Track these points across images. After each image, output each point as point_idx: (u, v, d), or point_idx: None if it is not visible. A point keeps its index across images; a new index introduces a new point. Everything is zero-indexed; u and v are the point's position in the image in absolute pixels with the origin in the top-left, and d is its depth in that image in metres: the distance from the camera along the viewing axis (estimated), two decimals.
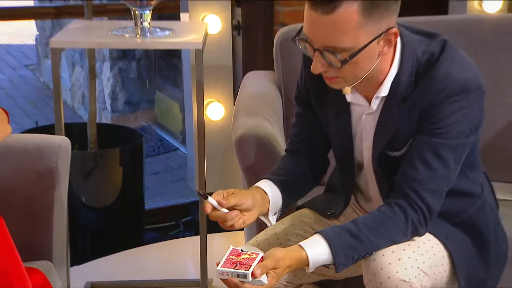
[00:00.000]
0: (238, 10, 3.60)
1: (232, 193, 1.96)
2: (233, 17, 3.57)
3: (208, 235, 2.82)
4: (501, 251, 2.19)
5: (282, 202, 2.08)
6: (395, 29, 1.92)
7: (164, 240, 3.60)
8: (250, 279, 1.82)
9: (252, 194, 1.99)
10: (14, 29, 8.51)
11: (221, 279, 1.88)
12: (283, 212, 2.11)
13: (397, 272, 1.93)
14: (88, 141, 3.52)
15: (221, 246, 3.23)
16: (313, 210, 2.28)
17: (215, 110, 3.54)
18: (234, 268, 1.84)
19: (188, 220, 3.81)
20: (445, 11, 3.65)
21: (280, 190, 2.08)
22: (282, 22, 3.53)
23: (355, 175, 2.21)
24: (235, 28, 3.60)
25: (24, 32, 8.37)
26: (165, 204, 4.02)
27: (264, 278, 1.84)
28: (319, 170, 2.24)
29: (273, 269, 1.86)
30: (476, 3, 3.53)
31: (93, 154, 3.50)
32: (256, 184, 2.07)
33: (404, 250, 1.97)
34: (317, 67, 1.94)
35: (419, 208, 1.98)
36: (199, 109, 2.73)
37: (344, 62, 1.89)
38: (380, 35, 1.90)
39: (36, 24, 7.68)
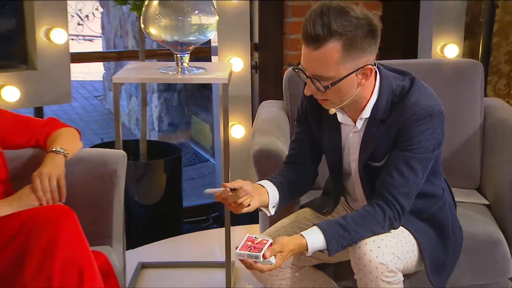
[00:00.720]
0: (256, 54, 3.61)
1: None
2: (252, 59, 3.57)
3: (231, 227, 2.80)
4: (457, 241, 2.18)
5: (279, 198, 2.06)
6: (370, 66, 1.93)
7: (197, 231, 3.58)
8: (262, 259, 1.83)
9: (250, 183, 1.98)
10: (87, 69, 8.55)
11: (239, 259, 1.88)
12: (280, 208, 2.08)
13: (376, 257, 1.91)
14: (140, 154, 3.51)
15: (241, 236, 3.20)
16: (312, 208, 2.27)
17: (237, 131, 3.53)
18: (249, 251, 1.85)
19: (216, 215, 3.80)
20: (415, 56, 3.64)
21: (277, 188, 2.06)
22: (290, 63, 3.54)
23: (344, 181, 2.20)
24: (253, 67, 3.60)
25: (94, 71, 8.41)
26: (198, 203, 3.99)
27: (272, 259, 1.85)
28: (309, 179, 2.22)
29: (280, 252, 1.87)
30: (438, 50, 3.52)
31: (143, 164, 3.50)
32: (257, 182, 2.07)
33: (382, 240, 1.95)
34: (307, 91, 1.97)
35: (394, 207, 1.97)
36: (225, 130, 2.72)
37: (326, 88, 1.91)
38: (357, 70, 1.91)
39: (103, 65, 7.73)
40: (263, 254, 1.83)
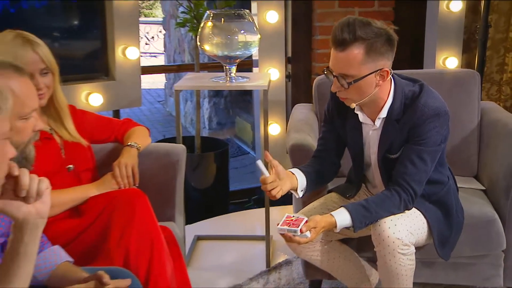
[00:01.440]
0: (289, 66, 3.59)
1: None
2: (286, 70, 3.55)
3: (270, 208, 2.79)
4: (460, 220, 2.15)
5: (306, 184, 2.04)
6: (387, 69, 1.91)
7: (241, 210, 3.57)
8: (299, 233, 1.83)
9: (283, 169, 1.97)
10: (152, 79, 8.61)
11: (280, 233, 1.88)
12: (306, 193, 2.07)
13: (393, 233, 1.89)
14: (195, 147, 3.53)
15: (277, 215, 3.20)
16: (337, 193, 2.25)
17: (274, 129, 3.52)
18: (288, 227, 1.85)
19: (256, 198, 3.78)
20: (421, 67, 3.59)
21: (305, 176, 2.04)
22: (317, 73, 3.52)
23: (365, 171, 2.18)
24: (287, 76, 3.58)
25: (157, 81, 8.47)
26: (241, 187, 3.99)
27: (308, 234, 1.85)
28: (332, 170, 2.19)
29: (314, 228, 1.86)
30: (441, 61, 3.46)
31: (198, 156, 3.51)
32: (288, 170, 2.05)
33: (398, 219, 1.94)
34: (334, 87, 1.95)
35: (408, 192, 1.95)
36: (265, 128, 2.72)
37: (349, 84, 1.89)
38: (376, 71, 1.88)
39: (165, 76, 7.79)
40: (300, 229, 1.83)
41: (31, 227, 1.24)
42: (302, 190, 2.05)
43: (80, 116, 2.18)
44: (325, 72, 1.96)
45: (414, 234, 1.95)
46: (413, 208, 2.00)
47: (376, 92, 1.94)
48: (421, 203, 2.03)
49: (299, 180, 2.03)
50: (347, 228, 1.92)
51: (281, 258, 2.84)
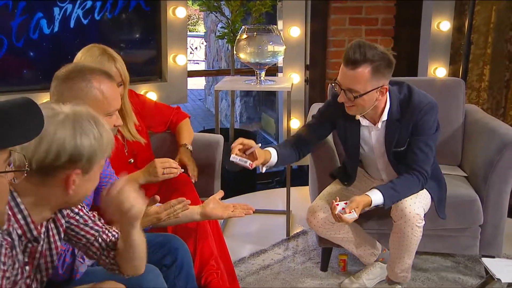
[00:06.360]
0: (308, 72, 3.55)
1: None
2: (305, 75, 3.52)
3: (290, 188, 2.78)
4: (444, 183, 2.14)
5: (275, 164, 2.03)
6: (386, 86, 1.88)
7: (266, 189, 3.57)
8: (347, 214, 1.83)
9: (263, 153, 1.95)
10: (194, 81, 8.60)
11: (333, 213, 1.86)
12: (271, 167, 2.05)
13: (414, 209, 1.91)
14: (229, 137, 3.53)
15: (296, 193, 3.20)
16: (339, 180, 2.22)
17: (295, 123, 3.49)
18: (341, 209, 1.84)
19: (278, 179, 3.78)
20: (415, 75, 3.53)
21: (277, 157, 2.01)
22: (330, 78, 3.48)
23: (365, 162, 2.15)
24: (306, 80, 3.55)
25: (199, 82, 8.47)
26: (266, 171, 3.95)
27: (354, 213, 1.83)
28: (301, 155, 2.13)
29: (356, 207, 1.84)
30: (432, 71, 3.40)
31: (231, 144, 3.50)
32: (268, 148, 2.01)
33: (416, 198, 1.95)
34: (341, 98, 1.91)
35: (423, 174, 1.95)
36: (288, 122, 2.71)
37: (355, 97, 1.86)
38: (377, 88, 1.86)
39: (204, 79, 7.79)
40: (345, 209, 1.83)
41: None
42: (267, 167, 2.02)
43: (142, 104, 2.17)
44: (333, 84, 1.94)
45: (425, 209, 1.98)
46: (424, 189, 2.02)
47: (375, 104, 1.92)
48: (427, 185, 2.03)
49: (272, 159, 2.00)
50: (377, 206, 1.91)
51: (298, 229, 2.84)
